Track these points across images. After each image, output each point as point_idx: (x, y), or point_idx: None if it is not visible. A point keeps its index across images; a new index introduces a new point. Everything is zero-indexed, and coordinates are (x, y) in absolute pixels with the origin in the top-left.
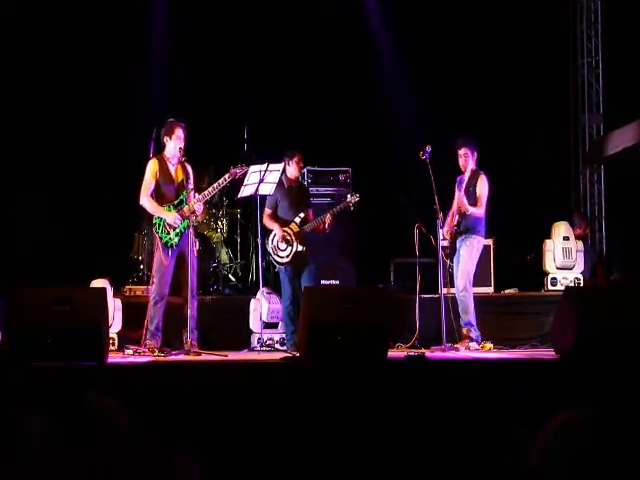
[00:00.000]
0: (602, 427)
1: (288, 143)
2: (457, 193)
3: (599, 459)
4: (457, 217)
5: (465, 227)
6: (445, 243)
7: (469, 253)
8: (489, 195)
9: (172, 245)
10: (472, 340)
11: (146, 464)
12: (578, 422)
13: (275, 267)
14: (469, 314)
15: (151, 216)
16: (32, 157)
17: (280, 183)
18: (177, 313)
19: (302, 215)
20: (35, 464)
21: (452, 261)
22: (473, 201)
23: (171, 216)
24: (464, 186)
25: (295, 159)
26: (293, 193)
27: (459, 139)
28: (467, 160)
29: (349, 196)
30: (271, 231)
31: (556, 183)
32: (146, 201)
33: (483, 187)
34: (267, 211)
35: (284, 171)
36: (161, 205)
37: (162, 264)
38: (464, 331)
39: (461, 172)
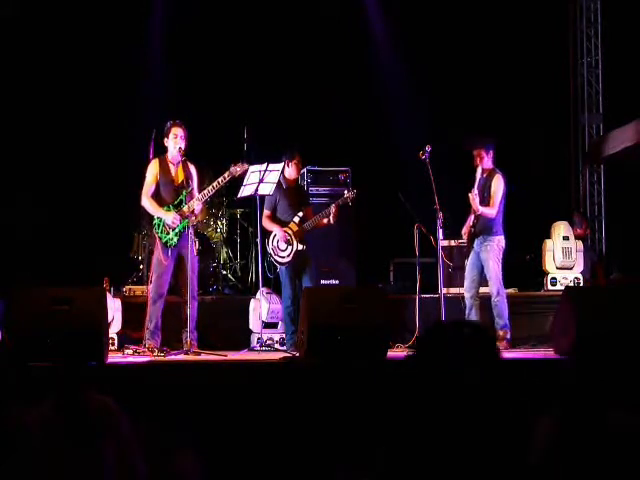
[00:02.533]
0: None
1: (288, 143)
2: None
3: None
4: (473, 217)
5: (481, 227)
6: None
7: (493, 257)
8: (505, 195)
9: (171, 245)
10: (508, 341)
11: (146, 464)
12: (567, 420)
13: (276, 268)
14: (504, 317)
15: (151, 216)
16: (32, 157)
17: (278, 183)
18: (177, 313)
19: (301, 214)
20: (34, 463)
21: (467, 260)
22: (487, 202)
23: (170, 216)
24: (478, 185)
25: (294, 161)
26: (292, 193)
27: (473, 141)
28: (482, 160)
29: (346, 192)
30: (271, 232)
31: (556, 183)
32: (146, 202)
33: (497, 187)
34: (266, 212)
35: (282, 171)
36: (161, 206)
37: (161, 264)
38: (500, 333)
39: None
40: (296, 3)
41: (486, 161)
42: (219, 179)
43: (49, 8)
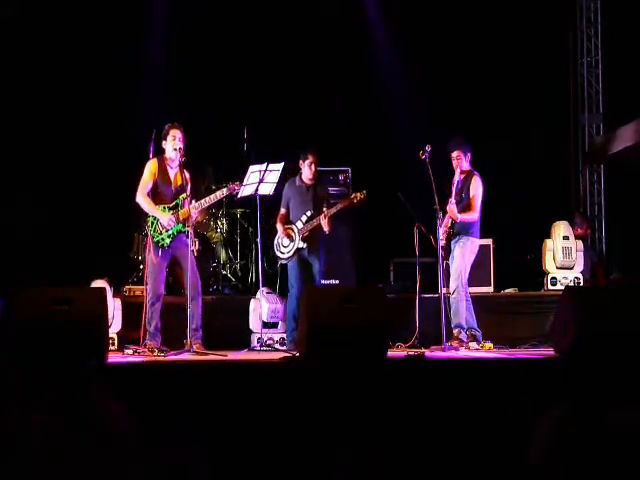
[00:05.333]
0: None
1: (288, 143)
2: (449, 203)
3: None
4: (451, 219)
5: (458, 229)
6: (443, 243)
7: (462, 254)
8: (484, 195)
9: (163, 245)
10: (462, 342)
11: (146, 463)
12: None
13: (277, 262)
14: (459, 316)
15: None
16: (32, 157)
17: (293, 181)
18: (179, 313)
19: (309, 214)
20: (34, 463)
21: (449, 262)
22: (466, 204)
23: (165, 217)
24: (455, 188)
25: (307, 162)
26: (303, 192)
27: (451, 141)
28: (460, 162)
29: (355, 194)
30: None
31: (556, 183)
32: (141, 199)
33: (477, 189)
34: (281, 211)
35: (299, 171)
36: (157, 205)
37: (153, 264)
38: (454, 332)
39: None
40: (296, 3)
41: (464, 163)
42: (217, 193)
43: (49, 8)
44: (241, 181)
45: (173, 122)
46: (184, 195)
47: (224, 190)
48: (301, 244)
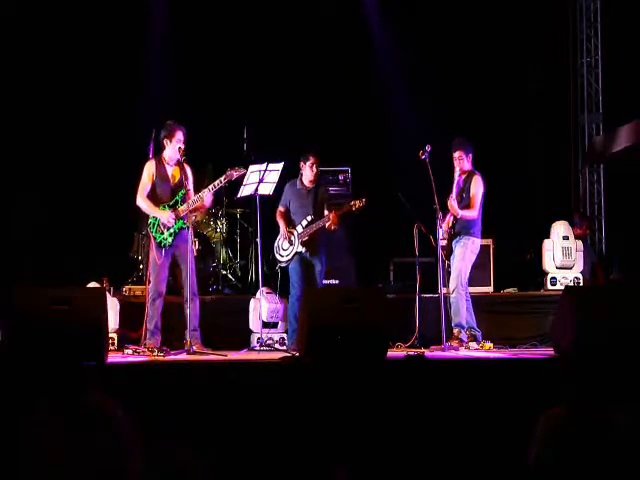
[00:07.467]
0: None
1: (288, 143)
2: (449, 198)
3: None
4: (452, 218)
5: (459, 228)
6: (444, 243)
7: (462, 254)
8: (484, 195)
9: (165, 245)
10: (462, 341)
11: (146, 463)
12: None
13: (276, 265)
14: (460, 316)
15: (149, 216)
16: (32, 157)
17: (294, 183)
18: (178, 313)
19: (309, 218)
20: (34, 463)
21: (450, 262)
22: (467, 203)
23: (165, 215)
24: (456, 188)
25: (309, 163)
26: (303, 196)
27: (453, 141)
28: (462, 162)
29: (355, 201)
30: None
31: (556, 183)
32: (142, 202)
33: (477, 188)
34: (279, 208)
35: (300, 173)
36: (156, 205)
37: (156, 263)
38: (455, 332)
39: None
40: (296, 3)
41: (465, 163)
42: (215, 182)
43: (49, 8)
44: (241, 181)
45: (178, 121)
46: (183, 191)
47: (222, 178)
48: (300, 248)
